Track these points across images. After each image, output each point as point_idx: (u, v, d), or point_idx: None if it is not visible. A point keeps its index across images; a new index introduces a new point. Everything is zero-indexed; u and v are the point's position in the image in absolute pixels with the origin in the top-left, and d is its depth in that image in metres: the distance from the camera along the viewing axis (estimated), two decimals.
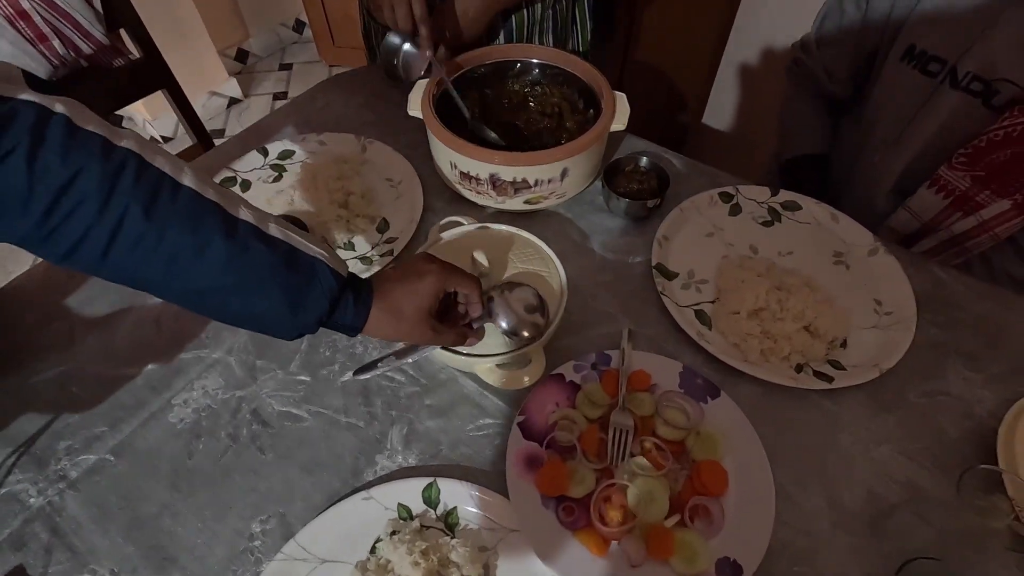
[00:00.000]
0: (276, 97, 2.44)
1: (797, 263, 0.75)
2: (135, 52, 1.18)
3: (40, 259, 0.65)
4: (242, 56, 2.55)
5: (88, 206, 0.37)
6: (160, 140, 2.23)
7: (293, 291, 0.44)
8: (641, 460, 0.56)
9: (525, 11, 0.92)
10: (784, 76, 1.06)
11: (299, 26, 2.70)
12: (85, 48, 1.08)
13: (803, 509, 0.56)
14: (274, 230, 0.44)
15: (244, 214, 0.43)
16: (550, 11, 0.95)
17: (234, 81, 2.38)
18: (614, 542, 0.53)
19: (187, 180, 0.41)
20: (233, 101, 2.41)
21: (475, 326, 0.56)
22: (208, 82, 2.27)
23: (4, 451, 0.60)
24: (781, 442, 0.59)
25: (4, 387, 0.65)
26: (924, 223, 0.86)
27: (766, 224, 0.79)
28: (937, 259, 0.82)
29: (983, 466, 0.48)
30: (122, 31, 1.15)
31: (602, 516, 0.53)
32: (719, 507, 0.55)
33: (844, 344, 0.67)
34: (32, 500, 0.57)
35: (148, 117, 2.14)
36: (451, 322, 0.55)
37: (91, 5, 1.07)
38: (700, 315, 0.70)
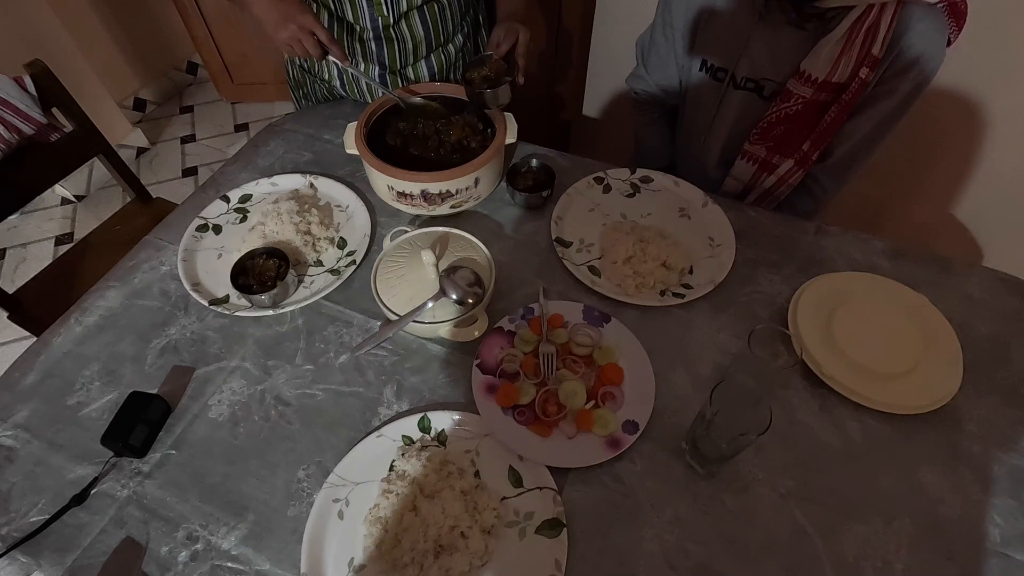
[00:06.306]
0: (184, 140, 2.49)
1: (654, 220, 1.03)
2: (69, 126, 1.30)
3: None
4: (140, 105, 2.58)
5: None
6: (74, 199, 2.25)
7: None
8: (564, 371, 0.82)
9: (443, 53, 1.16)
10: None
11: (192, 68, 2.74)
12: (26, 129, 1.19)
13: (673, 383, 0.83)
14: None
15: None
16: (460, 52, 1.19)
17: (138, 131, 2.41)
18: (555, 427, 0.78)
19: None
20: (141, 150, 2.45)
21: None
22: (114, 136, 2.30)
23: (89, 468, 0.76)
24: (655, 343, 0.86)
25: (66, 420, 0.80)
26: (745, 184, 1.17)
27: (629, 196, 1.07)
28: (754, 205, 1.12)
29: (761, 325, 0.76)
30: (55, 109, 1.26)
31: (544, 411, 0.78)
32: (620, 391, 0.81)
33: (691, 271, 0.96)
34: (119, 493, 0.74)
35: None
36: None
37: (26, 90, 1.18)
38: (592, 269, 0.96)
